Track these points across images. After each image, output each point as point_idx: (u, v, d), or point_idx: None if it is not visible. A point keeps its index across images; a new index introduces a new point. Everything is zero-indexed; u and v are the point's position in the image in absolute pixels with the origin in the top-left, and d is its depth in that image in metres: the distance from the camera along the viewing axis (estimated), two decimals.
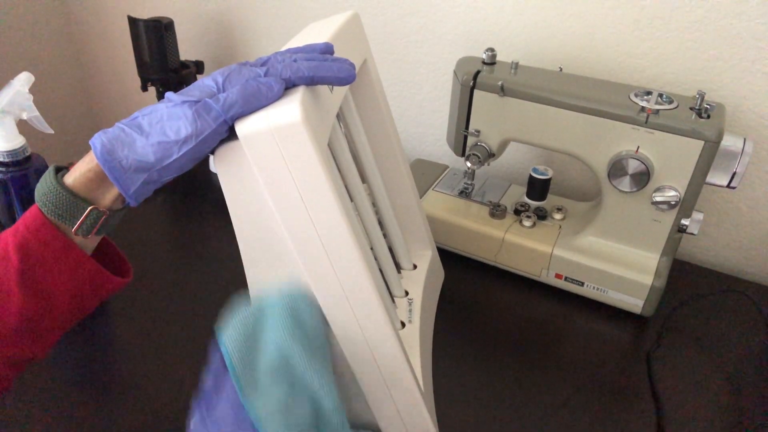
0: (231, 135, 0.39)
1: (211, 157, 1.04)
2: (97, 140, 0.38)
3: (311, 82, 0.40)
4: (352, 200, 0.54)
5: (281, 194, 0.38)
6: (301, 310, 0.42)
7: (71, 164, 0.41)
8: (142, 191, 0.39)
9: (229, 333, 0.41)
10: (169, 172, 0.39)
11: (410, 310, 0.58)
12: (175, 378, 0.58)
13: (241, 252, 0.43)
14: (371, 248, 0.55)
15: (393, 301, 0.58)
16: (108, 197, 0.40)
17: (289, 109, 0.36)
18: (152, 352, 0.61)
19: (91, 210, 0.39)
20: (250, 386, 0.40)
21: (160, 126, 0.38)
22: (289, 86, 0.39)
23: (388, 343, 0.44)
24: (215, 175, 0.94)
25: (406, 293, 0.61)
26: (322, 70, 0.40)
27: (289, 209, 0.39)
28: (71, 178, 0.39)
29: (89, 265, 0.41)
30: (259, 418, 0.39)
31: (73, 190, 0.39)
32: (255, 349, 0.41)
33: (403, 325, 0.57)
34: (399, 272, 0.64)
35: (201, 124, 0.38)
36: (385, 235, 0.59)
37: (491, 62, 0.69)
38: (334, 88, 0.45)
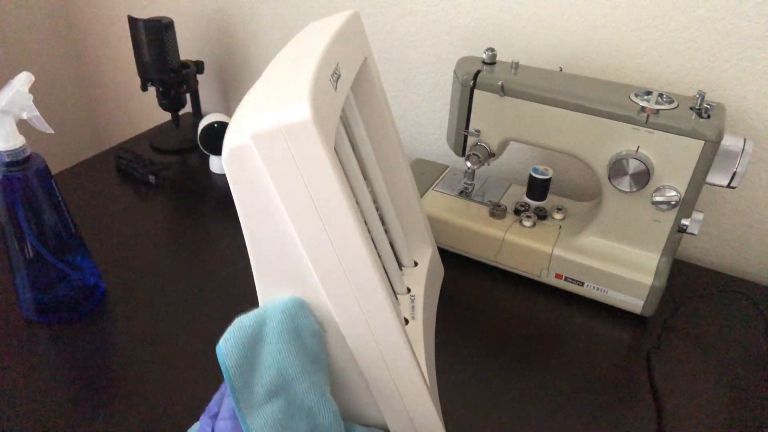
0: (239, 134, 0.39)
1: (212, 158, 1.04)
2: None
3: None
4: (355, 197, 0.54)
5: (290, 192, 0.39)
6: (301, 323, 0.42)
7: None
8: None
9: (228, 349, 0.41)
10: None
11: (413, 307, 0.59)
12: (174, 378, 0.58)
13: (248, 249, 0.44)
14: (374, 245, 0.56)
15: (396, 297, 0.58)
16: None
17: (299, 108, 0.36)
18: (151, 352, 0.61)
19: None
20: (247, 403, 0.41)
21: None
22: None
23: (395, 339, 0.44)
24: (216, 175, 0.94)
25: (408, 290, 0.61)
26: None
27: (299, 207, 0.39)
28: None
29: None
30: None
31: None
32: (253, 365, 0.42)
33: (406, 321, 0.57)
34: (400, 269, 0.64)
35: None
36: (386, 232, 0.59)
37: (491, 62, 0.69)
38: (338, 86, 0.45)
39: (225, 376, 0.40)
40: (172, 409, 0.55)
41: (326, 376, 0.44)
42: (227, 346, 0.41)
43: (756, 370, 0.61)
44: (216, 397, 0.45)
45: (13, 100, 0.56)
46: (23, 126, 0.59)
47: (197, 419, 0.49)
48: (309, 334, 0.43)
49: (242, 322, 0.42)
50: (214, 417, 0.44)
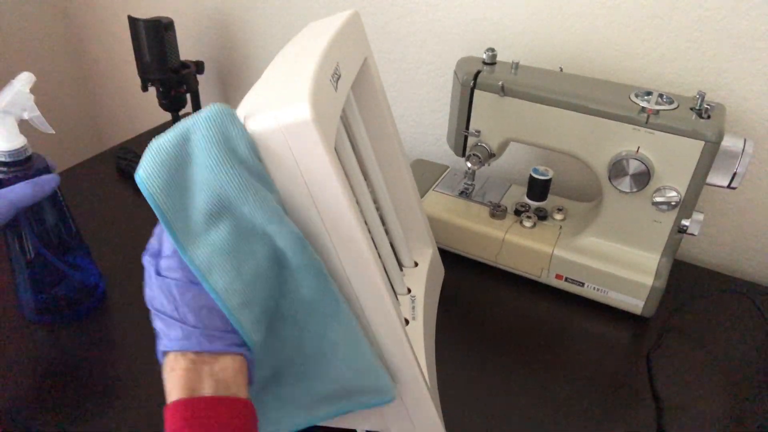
0: None
1: None
2: None
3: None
4: (355, 198, 0.54)
5: (290, 192, 0.39)
6: (232, 133, 0.36)
7: None
8: None
9: (149, 174, 0.35)
10: None
11: (413, 307, 0.59)
12: None
13: None
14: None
15: (396, 297, 0.58)
16: None
17: (299, 108, 0.36)
18: (151, 351, 0.61)
19: None
20: (185, 233, 0.35)
21: None
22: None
23: (396, 339, 0.44)
24: None
25: (409, 290, 0.61)
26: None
27: (299, 207, 0.39)
28: None
29: None
30: (201, 270, 0.35)
31: None
32: (184, 189, 0.36)
33: (407, 321, 0.57)
34: (401, 269, 0.64)
35: None
36: (386, 233, 0.59)
37: (491, 62, 0.69)
38: (338, 86, 0.45)
39: (152, 206, 0.35)
40: None
41: (276, 195, 0.38)
42: (147, 171, 0.35)
43: (756, 370, 0.61)
44: (156, 231, 0.39)
45: (15, 100, 0.56)
46: (24, 126, 0.59)
47: None
48: (243, 144, 0.36)
49: (160, 143, 0.35)
50: (156, 255, 0.38)
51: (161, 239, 0.38)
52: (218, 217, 0.36)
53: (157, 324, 0.37)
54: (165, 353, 0.36)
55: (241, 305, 0.36)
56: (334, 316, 0.41)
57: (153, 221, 0.37)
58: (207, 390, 0.35)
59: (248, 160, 0.36)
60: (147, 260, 0.38)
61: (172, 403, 0.34)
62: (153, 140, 0.36)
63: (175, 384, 0.35)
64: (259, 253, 0.37)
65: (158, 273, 0.37)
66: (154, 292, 0.37)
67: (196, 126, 0.36)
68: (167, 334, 0.36)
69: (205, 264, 0.35)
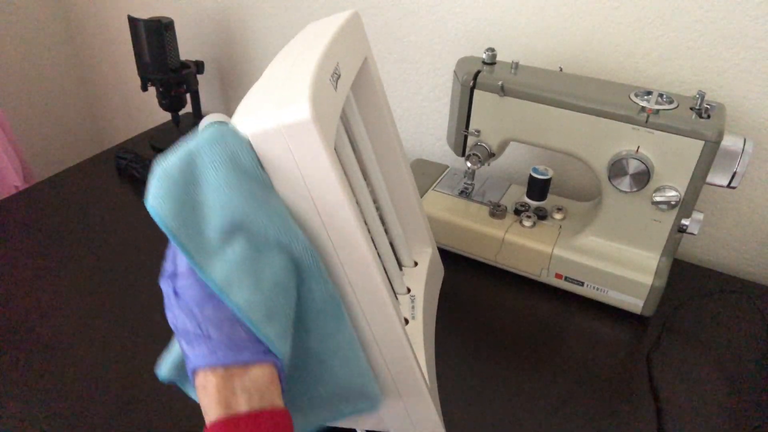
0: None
1: None
2: None
3: None
4: (355, 197, 0.54)
5: (290, 192, 0.39)
6: (235, 149, 0.36)
7: None
8: None
9: (160, 202, 0.35)
10: None
11: (413, 307, 0.59)
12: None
13: None
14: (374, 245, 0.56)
15: (396, 297, 0.58)
16: None
17: (299, 108, 0.36)
18: (151, 351, 0.61)
19: None
20: (201, 253, 0.35)
21: None
22: None
23: (396, 339, 0.44)
24: None
25: (408, 290, 0.61)
26: None
27: (298, 207, 0.39)
28: None
29: None
30: (221, 287, 0.35)
31: None
32: (195, 211, 0.35)
33: (406, 321, 0.57)
34: (401, 269, 0.64)
35: None
36: (386, 232, 0.59)
37: (491, 62, 0.69)
38: (338, 85, 0.45)
39: (165, 232, 0.34)
40: (173, 407, 0.55)
41: (281, 202, 0.38)
42: (157, 200, 0.34)
43: (756, 370, 0.61)
44: (169, 253, 0.38)
45: None
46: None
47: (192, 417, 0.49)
48: (248, 158, 0.36)
49: (165, 168, 0.35)
50: (172, 276, 0.37)
51: (175, 260, 0.37)
52: (232, 234, 0.36)
53: (183, 345, 0.36)
54: (194, 372, 0.35)
55: (265, 317, 0.36)
56: (338, 319, 0.41)
57: (153, 222, 0.36)
58: (242, 404, 0.34)
59: (254, 173, 0.37)
60: (164, 283, 0.38)
61: (211, 425, 0.33)
62: (157, 165, 0.35)
63: (209, 403, 0.34)
64: (276, 264, 0.37)
65: (176, 293, 0.36)
66: (174, 313, 0.36)
67: (200, 147, 0.36)
68: (193, 352, 0.35)
69: (224, 280, 0.35)
